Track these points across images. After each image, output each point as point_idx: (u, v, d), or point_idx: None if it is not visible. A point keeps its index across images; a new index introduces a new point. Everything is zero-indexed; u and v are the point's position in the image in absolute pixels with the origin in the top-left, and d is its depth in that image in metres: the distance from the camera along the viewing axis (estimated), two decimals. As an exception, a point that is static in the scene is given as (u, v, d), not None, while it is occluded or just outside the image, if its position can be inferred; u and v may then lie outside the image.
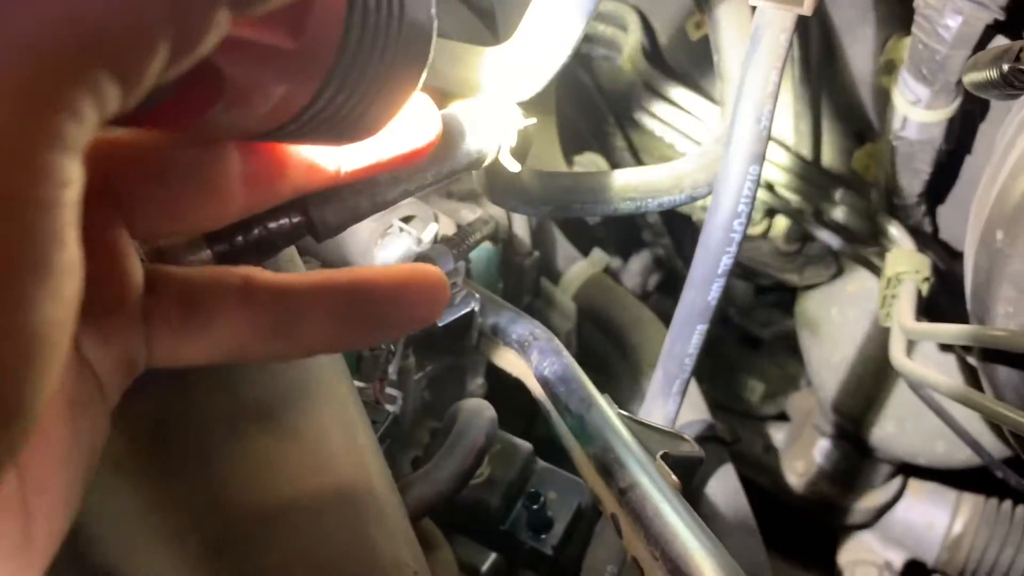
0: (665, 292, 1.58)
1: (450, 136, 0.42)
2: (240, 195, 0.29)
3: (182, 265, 0.31)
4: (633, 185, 0.69)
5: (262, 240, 0.34)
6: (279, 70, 0.25)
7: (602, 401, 0.55)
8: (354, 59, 0.26)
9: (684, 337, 0.71)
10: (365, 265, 0.75)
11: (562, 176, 0.66)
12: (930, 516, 1.36)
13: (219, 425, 0.37)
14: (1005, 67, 0.59)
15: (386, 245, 0.76)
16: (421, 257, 0.65)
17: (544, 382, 0.61)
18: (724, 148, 0.66)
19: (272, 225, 0.34)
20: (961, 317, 0.83)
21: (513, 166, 0.48)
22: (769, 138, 0.66)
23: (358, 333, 0.32)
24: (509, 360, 0.68)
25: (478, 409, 0.69)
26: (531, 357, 0.64)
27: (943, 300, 0.96)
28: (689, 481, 0.51)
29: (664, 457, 0.50)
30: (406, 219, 0.69)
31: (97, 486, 0.28)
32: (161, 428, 0.36)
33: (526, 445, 0.82)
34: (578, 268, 1.13)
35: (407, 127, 0.32)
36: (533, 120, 0.52)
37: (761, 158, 0.65)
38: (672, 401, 0.76)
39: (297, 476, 0.38)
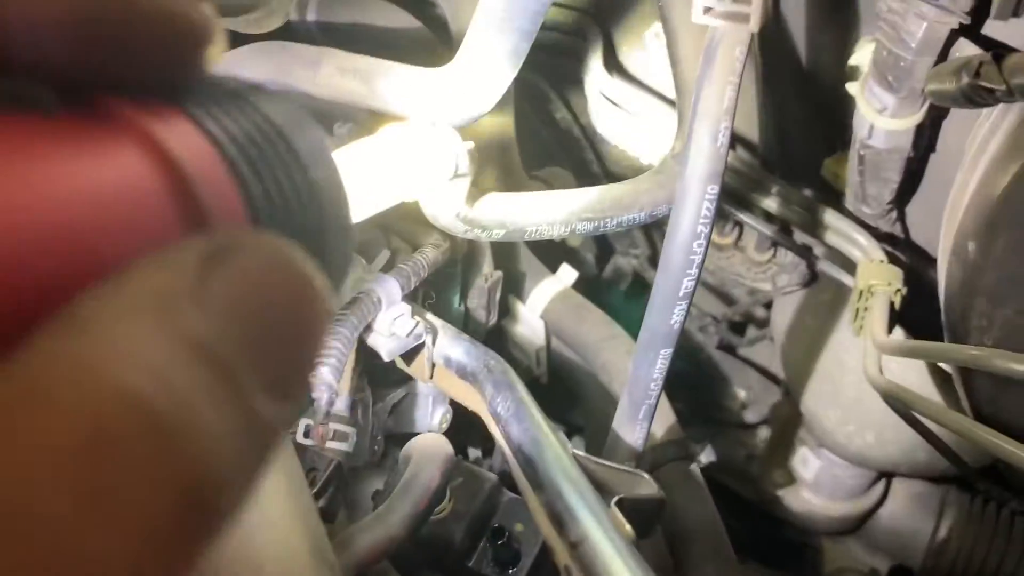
0: (640, 300, 1.55)
1: None
2: None
3: None
4: (590, 205, 0.67)
5: None
6: None
7: (555, 442, 0.52)
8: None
9: (648, 362, 0.68)
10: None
11: (513, 198, 0.63)
12: (915, 522, 1.34)
13: None
14: (965, 81, 0.56)
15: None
16: (367, 288, 0.62)
17: (497, 419, 0.58)
18: (681, 168, 0.63)
19: None
20: (937, 324, 0.81)
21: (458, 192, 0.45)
22: (727, 155, 0.63)
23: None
24: (464, 393, 0.65)
25: (432, 447, 0.65)
26: (485, 391, 0.61)
27: (918, 308, 0.94)
28: (649, 526, 0.48)
29: (620, 503, 0.47)
30: (353, 248, 0.66)
31: None
32: None
33: (491, 476, 0.79)
34: (546, 285, 1.10)
35: None
36: (471, 144, 0.49)
37: (719, 177, 0.63)
38: (639, 427, 0.73)
39: None
